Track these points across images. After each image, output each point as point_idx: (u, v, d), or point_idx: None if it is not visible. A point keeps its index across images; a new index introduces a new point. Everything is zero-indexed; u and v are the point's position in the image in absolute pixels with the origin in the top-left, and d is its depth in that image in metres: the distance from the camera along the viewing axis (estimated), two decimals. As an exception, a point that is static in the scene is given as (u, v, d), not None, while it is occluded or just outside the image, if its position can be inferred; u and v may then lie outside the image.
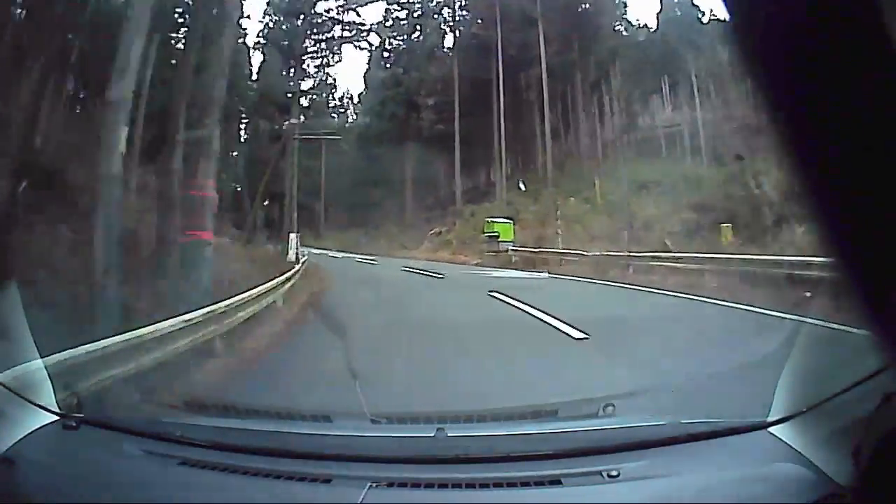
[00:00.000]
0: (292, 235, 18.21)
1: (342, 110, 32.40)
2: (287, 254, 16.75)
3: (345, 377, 2.25)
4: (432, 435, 1.55)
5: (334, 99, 32.29)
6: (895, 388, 0.94)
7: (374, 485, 1.32)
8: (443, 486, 1.35)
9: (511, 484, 1.33)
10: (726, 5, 0.57)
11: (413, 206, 27.49)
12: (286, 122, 21.85)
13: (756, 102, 0.58)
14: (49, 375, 1.90)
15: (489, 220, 20.78)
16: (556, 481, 1.33)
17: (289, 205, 20.92)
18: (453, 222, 24.73)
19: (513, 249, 18.82)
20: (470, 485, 1.34)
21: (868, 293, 0.61)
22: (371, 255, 22.56)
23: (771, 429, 1.41)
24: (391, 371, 4.04)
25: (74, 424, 1.67)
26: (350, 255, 23.63)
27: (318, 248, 25.60)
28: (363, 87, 30.98)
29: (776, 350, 1.97)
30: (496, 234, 19.87)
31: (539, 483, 1.33)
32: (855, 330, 0.65)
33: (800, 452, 1.27)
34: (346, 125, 30.59)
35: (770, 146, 0.60)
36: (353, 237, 27.07)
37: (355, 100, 31.48)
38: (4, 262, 5.02)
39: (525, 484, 1.33)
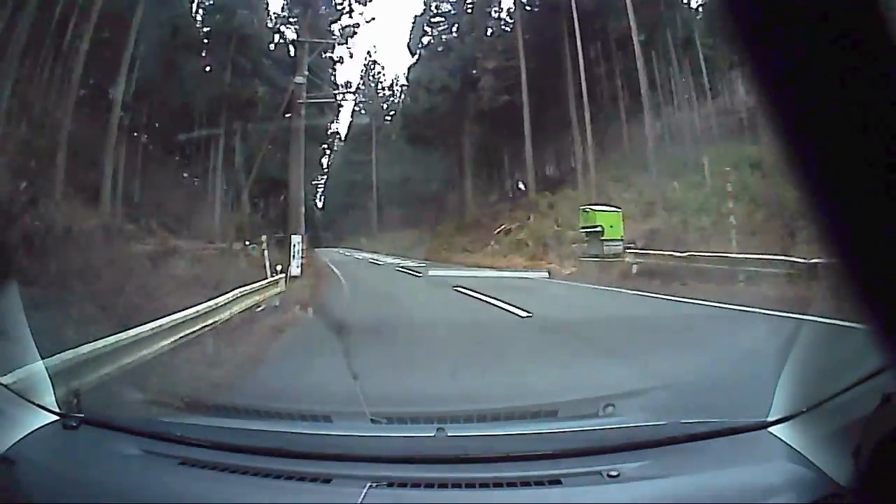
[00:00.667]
0: (295, 238, 13.62)
1: (391, 96, 29.22)
2: (271, 265, 10.77)
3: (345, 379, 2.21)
4: (432, 435, 1.55)
5: (383, 88, 29.34)
6: (895, 388, 0.94)
7: (374, 485, 1.32)
8: (443, 486, 1.35)
9: (511, 484, 1.33)
10: (722, 3, 0.57)
11: (474, 199, 22.84)
12: (292, 83, 15.53)
13: (755, 99, 0.58)
14: (49, 375, 1.91)
15: (587, 208, 14.08)
16: (556, 481, 1.33)
17: (295, 196, 15.44)
18: (527, 217, 18.90)
19: (630, 251, 11.84)
20: (470, 485, 1.34)
21: (868, 293, 0.61)
22: (422, 261, 18.39)
23: (771, 429, 1.41)
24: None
25: (74, 424, 1.67)
26: (398, 259, 19.97)
27: (367, 252, 23.65)
28: (411, 59, 25.44)
29: (776, 350, 1.97)
30: (598, 228, 13.24)
31: (539, 483, 1.33)
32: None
33: (800, 452, 1.27)
34: (400, 113, 26.73)
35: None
36: (406, 238, 23.58)
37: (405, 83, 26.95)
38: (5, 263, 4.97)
39: (525, 484, 1.33)
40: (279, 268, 9.64)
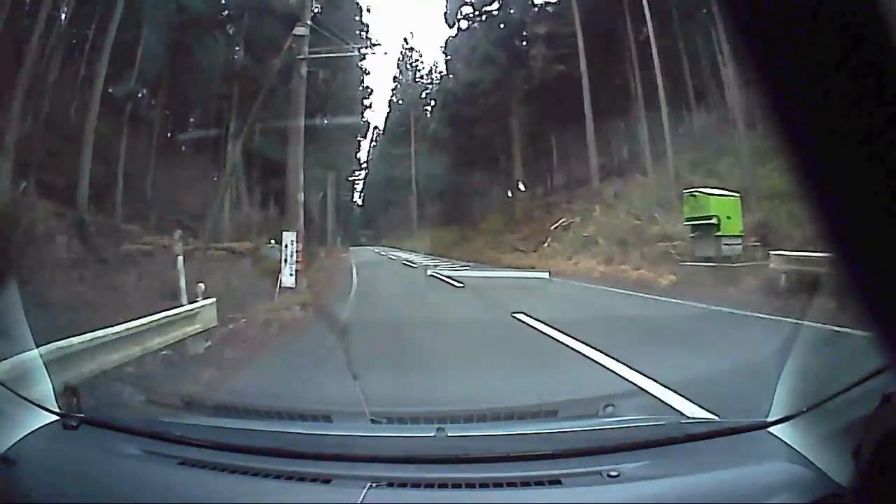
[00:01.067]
0: (287, 236, 10.48)
1: (430, 84, 27.71)
2: (187, 283, 6.88)
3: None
4: (432, 435, 1.55)
5: (421, 76, 27.91)
6: (895, 388, 0.94)
7: (374, 485, 1.32)
8: (443, 486, 1.35)
9: (511, 484, 1.33)
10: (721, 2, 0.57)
11: (525, 189, 20.45)
12: (291, 35, 12.01)
13: (754, 97, 0.58)
14: (49, 375, 1.91)
15: (694, 191, 10.48)
16: (556, 481, 1.33)
17: (293, 182, 11.98)
18: (591, 209, 15.52)
19: (777, 254, 8.02)
20: (470, 485, 1.34)
21: (868, 293, 0.60)
22: (465, 263, 15.78)
23: (771, 429, 1.41)
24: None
25: (74, 424, 1.67)
26: (437, 260, 17.64)
27: (404, 251, 22.53)
28: (450, 33, 22.43)
29: (776, 350, 1.97)
30: (712, 220, 9.77)
31: (539, 483, 1.33)
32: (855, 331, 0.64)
33: (800, 452, 1.28)
34: (439, 92, 24.36)
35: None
36: (449, 236, 21.43)
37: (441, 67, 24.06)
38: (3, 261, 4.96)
39: (525, 484, 1.33)
40: (202, 286, 6.25)
